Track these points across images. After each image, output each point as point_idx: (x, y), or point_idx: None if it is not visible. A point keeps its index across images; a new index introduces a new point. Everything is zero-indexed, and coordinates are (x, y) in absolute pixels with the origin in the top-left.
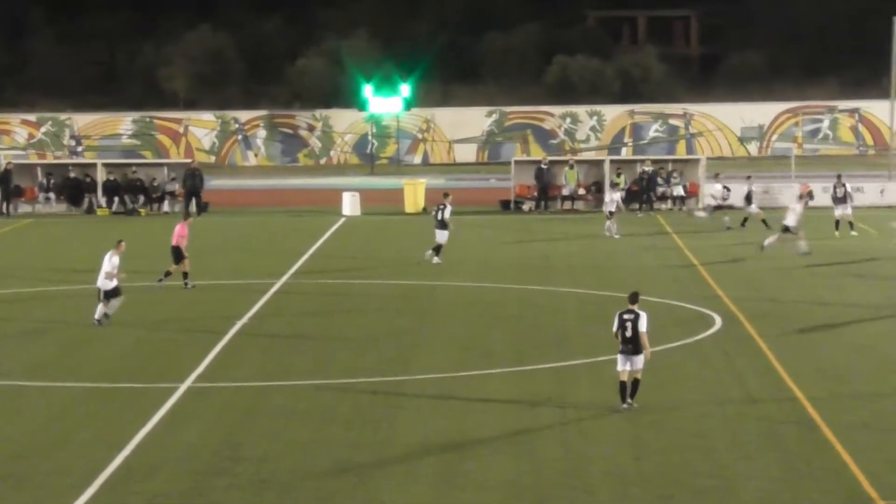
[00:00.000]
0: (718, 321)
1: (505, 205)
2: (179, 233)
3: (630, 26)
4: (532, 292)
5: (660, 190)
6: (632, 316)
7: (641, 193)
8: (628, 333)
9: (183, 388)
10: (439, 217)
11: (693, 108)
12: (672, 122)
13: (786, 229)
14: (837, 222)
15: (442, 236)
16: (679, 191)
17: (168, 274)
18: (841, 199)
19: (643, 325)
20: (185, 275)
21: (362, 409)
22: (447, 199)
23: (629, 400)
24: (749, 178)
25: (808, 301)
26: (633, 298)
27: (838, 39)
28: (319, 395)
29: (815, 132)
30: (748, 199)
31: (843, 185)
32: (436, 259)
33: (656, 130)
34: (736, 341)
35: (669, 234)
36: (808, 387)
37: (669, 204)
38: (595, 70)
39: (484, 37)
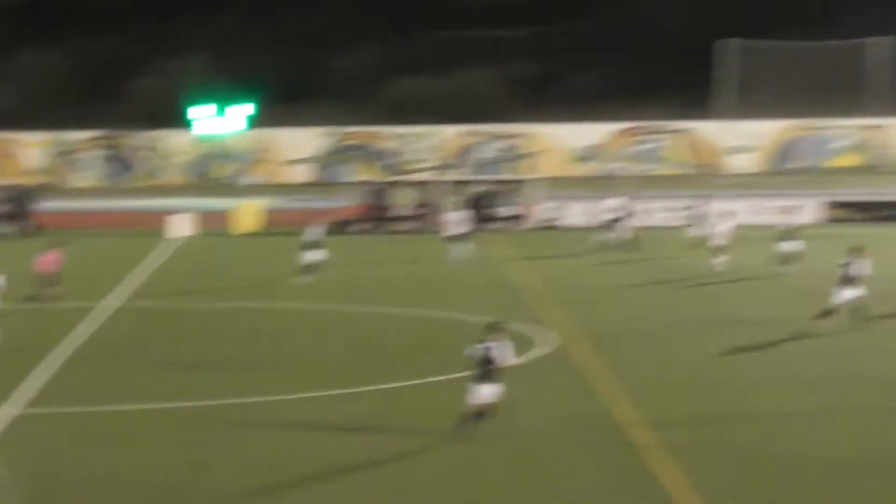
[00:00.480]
0: (549, 341)
1: (340, 226)
2: (45, 259)
3: (468, 47)
4: (365, 314)
5: (494, 210)
6: (487, 345)
7: (476, 213)
8: (483, 361)
9: (10, 413)
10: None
11: (529, 128)
12: (508, 141)
13: (719, 248)
14: (692, 241)
15: (310, 255)
16: (513, 210)
17: (53, 298)
18: (696, 220)
19: (499, 355)
20: (34, 298)
21: (193, 434)
22: (317, 220)
23: (468, 424)
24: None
25: (644, 320)
26: (491, 328)
27: (673, 61)
28: (149, 420)
29: (648, 152)
30: (621, 217)
31: (698, 208)
32: (303, 277)
33: (492, 150)
34: (568, 361)
35: (503, 255)
36: (639, 406)
37: (503, 224)
38: (432, 90)
39: (323, 57)
